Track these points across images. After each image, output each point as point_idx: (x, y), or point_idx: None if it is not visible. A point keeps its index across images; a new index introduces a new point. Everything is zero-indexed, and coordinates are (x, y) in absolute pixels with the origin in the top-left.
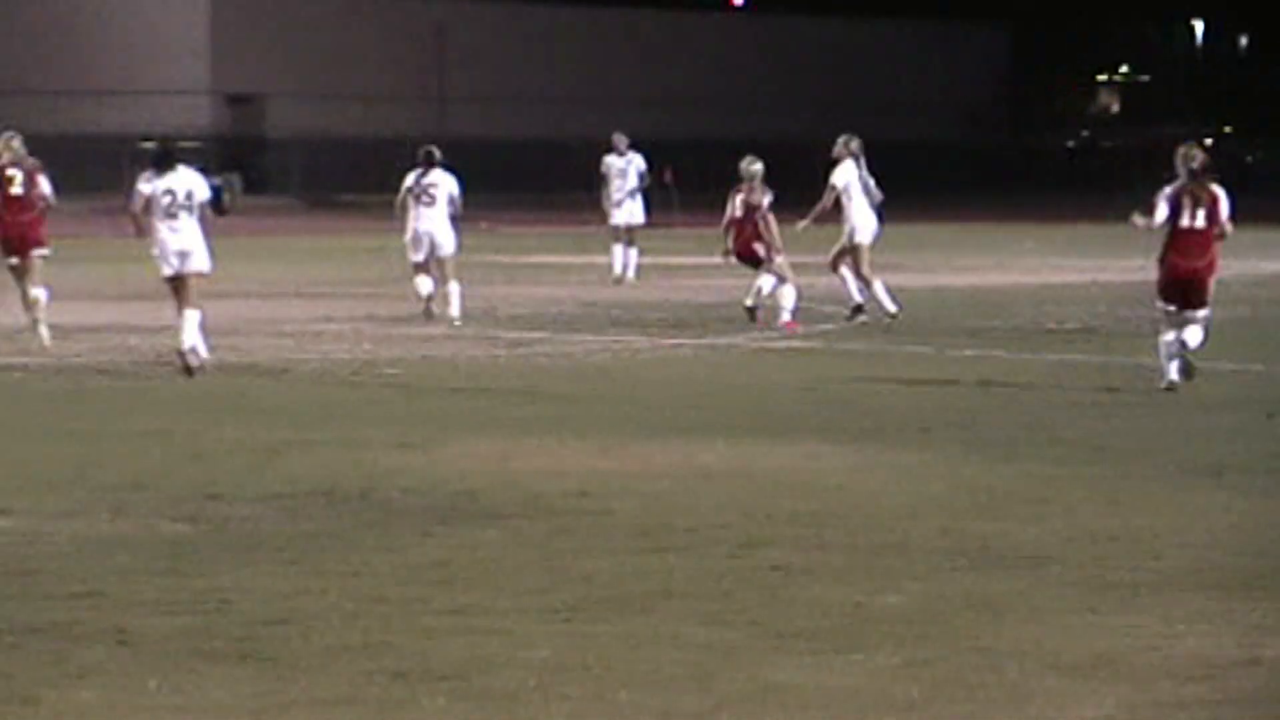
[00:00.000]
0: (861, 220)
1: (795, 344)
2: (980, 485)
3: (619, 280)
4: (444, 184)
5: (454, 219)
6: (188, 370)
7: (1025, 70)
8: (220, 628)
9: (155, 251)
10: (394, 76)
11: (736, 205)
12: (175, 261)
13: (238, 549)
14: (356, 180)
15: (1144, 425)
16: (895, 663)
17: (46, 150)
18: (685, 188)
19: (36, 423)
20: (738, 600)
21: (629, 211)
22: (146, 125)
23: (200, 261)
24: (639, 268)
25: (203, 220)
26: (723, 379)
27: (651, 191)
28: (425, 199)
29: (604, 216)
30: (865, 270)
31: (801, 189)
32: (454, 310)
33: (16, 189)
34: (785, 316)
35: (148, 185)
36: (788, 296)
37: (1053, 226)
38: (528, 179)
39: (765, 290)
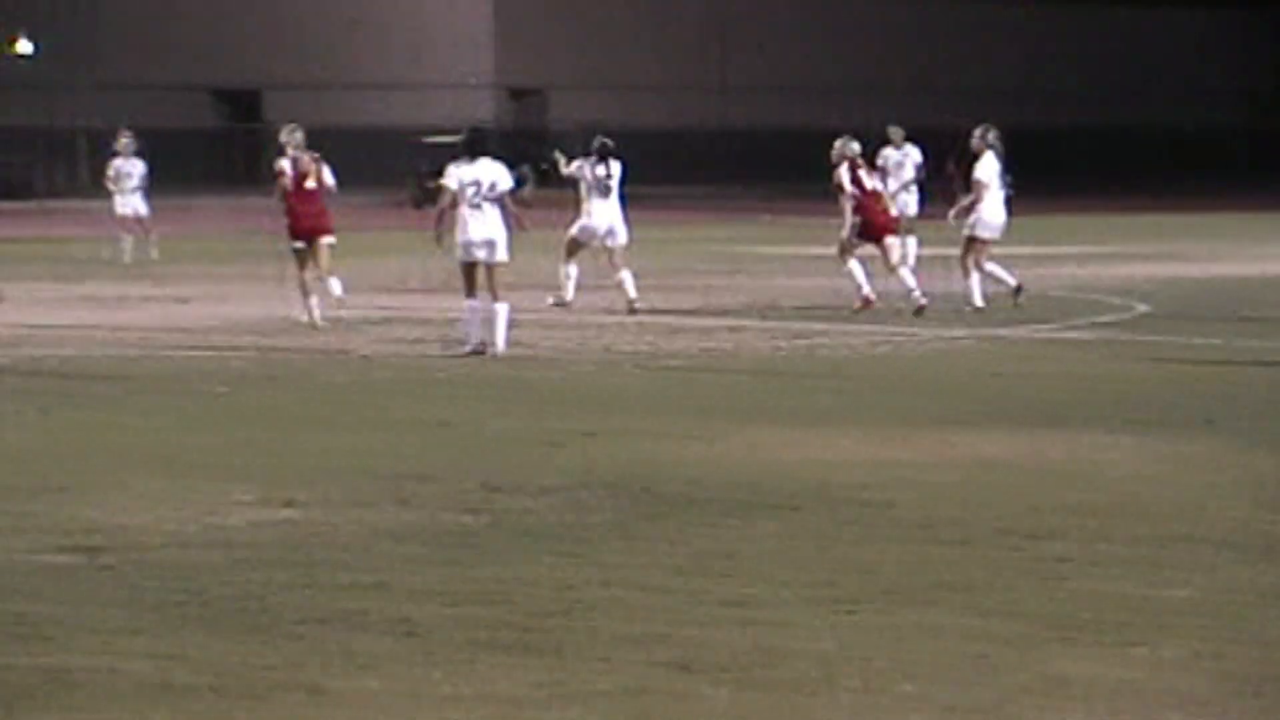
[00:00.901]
0: (990, 214)
1: (1075, 335)
2: (1270, 477)
3: (893, 270)
4: (617, 174)
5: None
6: (479, 352)
7: None
8: (503, 618)
9: (458, 239)
10: (675, 66)
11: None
12: (479, 252)
13: (520, 540)
14: (637, 172)
15: None
16: (1182, 656)
17: (334, 143)
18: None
19: (324, 413)
20: (1021, 592)
21: (904, 203)
22: (432, 119)
23: (501, 252)
24: (918, 258)
25: (504, 210)
26: (1004, 370)
27: (931, 182)
28: (601, 190)
29: None
30: (978, 261)
31: (1094, 177)
32: (632, 292)
33: (311, 183)
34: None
35: (454, 175)
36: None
37: None
38: (808, 169)
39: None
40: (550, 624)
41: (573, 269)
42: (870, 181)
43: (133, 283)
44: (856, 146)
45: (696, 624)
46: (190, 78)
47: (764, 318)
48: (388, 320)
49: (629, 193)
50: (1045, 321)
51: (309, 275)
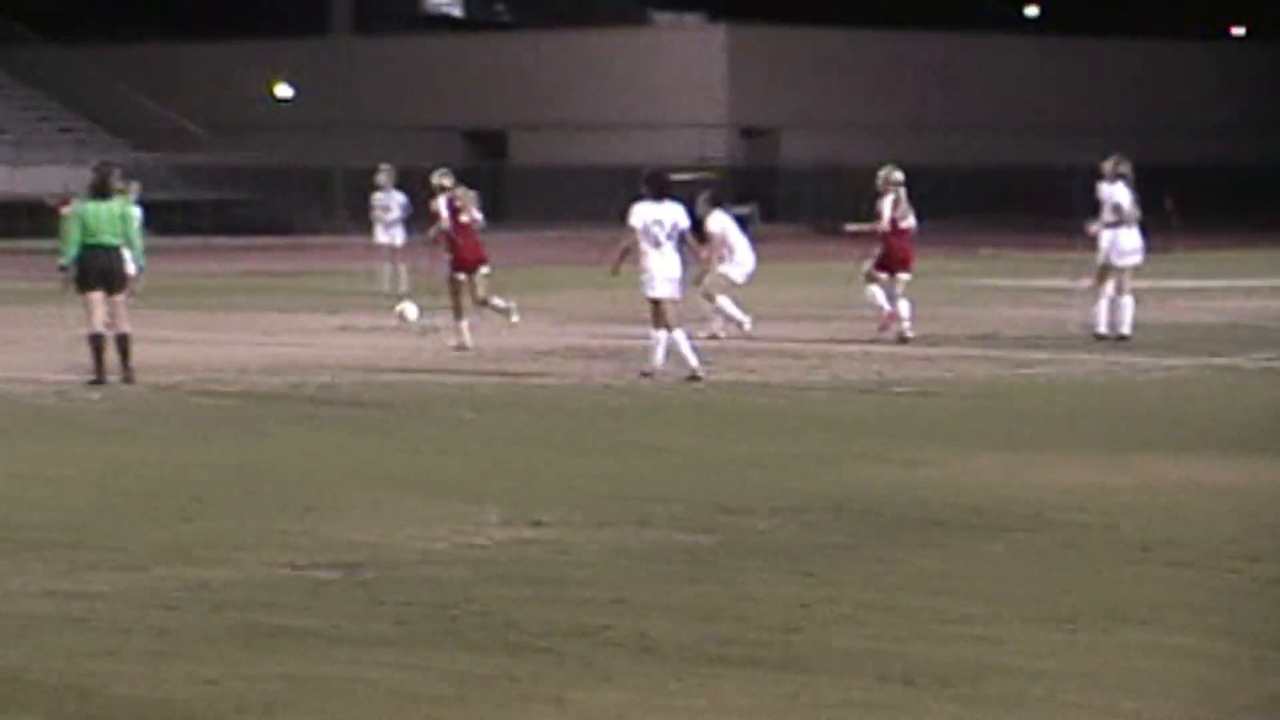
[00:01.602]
0: (1127, 241)
1: None
2: None
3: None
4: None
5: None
6: (695, 378)
7: None
8: (737, 633)
9: (644, 276)
10: (900, 106)
11: None
12: (662, 287)
13: (753, 559)
14: (862, 208)
15: None
16: None
17: (575, 180)
18: (1184, 213)
19: (566, 438)
20: (1242, 613)
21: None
22: (668, 157)
23: (677, 289)
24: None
25: (682, 250)
26: (1222, 398)
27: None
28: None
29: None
30: (1105, 285)
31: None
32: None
33: (465, 218)
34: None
35: (640, 214)
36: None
37: None
38: (1028, 204)
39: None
40: (781, 639)
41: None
42: (905, 218)
43: (386, 312)
44: (900, 175)
45: (921, 640)
46: (441, 119)
47: (985, 347)
48: (627, 351)
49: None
50: (1260, 350)
51: (465, 302)
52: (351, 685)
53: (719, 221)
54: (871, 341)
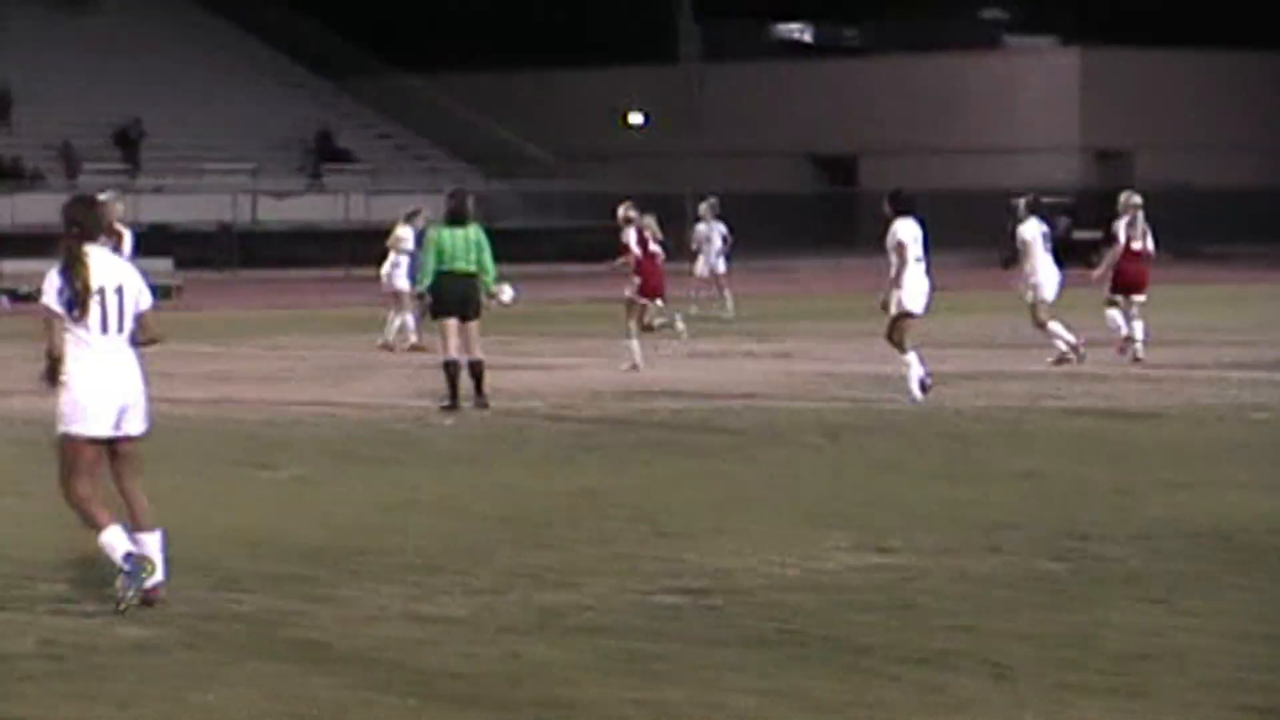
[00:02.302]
0: None
1: None
2: None
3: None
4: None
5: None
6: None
7: None
8: (1090, 661)
9: (903, 293)
10: (1252, 127)
11: None
12: (917, 302)
13: (1107, 586)
14: (1218, 231)
15: None
16: None
17: (925, 205)
18: None
19: (916, 464)
20: None
21: None
22: (1019, 181)
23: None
24: None
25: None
26: None
27: None
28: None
29: None
30: None
31: None
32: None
33: (654, 247)
34: None
35: (909, 232)
36: None
37: None
38: None
39: None
40: (1136, 667)
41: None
42: (1140, 240)
43: (737, 339)
44: (1138, 199)
45: (1277, 671)
46: (791, 144)
47: None
48: (975, 376)
49: (1209, 253)
50: None
51: (634, 325)
52: (700, 711)
53: (1032, 230)
54: (1231, 365)
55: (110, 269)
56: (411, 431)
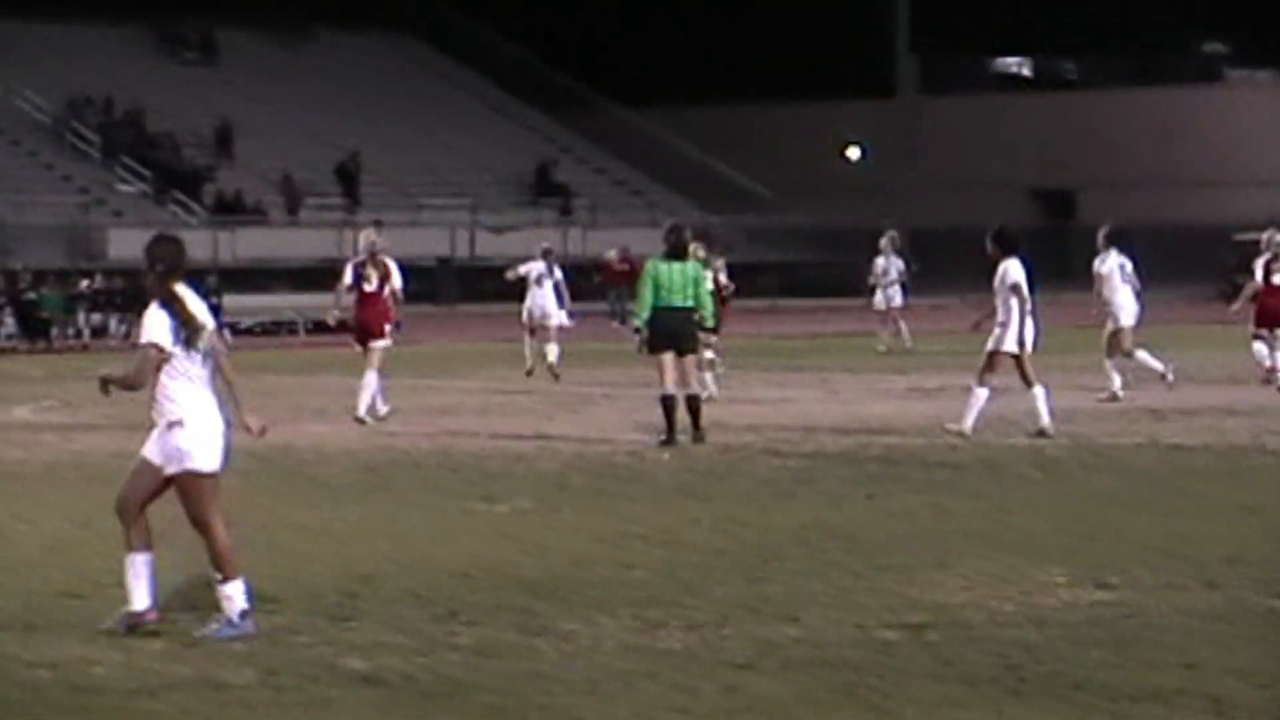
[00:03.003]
0: None
1: None
2: None
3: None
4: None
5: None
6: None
7: None
8: None
9: (1008, 332)
10: None
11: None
12: (1015, 341)
13: None
14: None
15: None
16: None
17: (1148, 240)
18: None
19: (1134, 497)
20: None
21: None
22: (1241, 216)
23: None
24: None
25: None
26: None
27: None
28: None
29: None
30: None
31: None
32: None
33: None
34: None
35: (1017, 272)
36: None
37: None
38: None
39: None
40: None
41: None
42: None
43: (957, 373)
44: None
45: None
46: (1008, 177)
47: None
48: (1195, 411)
49: None
50: None
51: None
52: None
53: (1110, 263)
54: None
55: (199, 305)
56: (629, 465)
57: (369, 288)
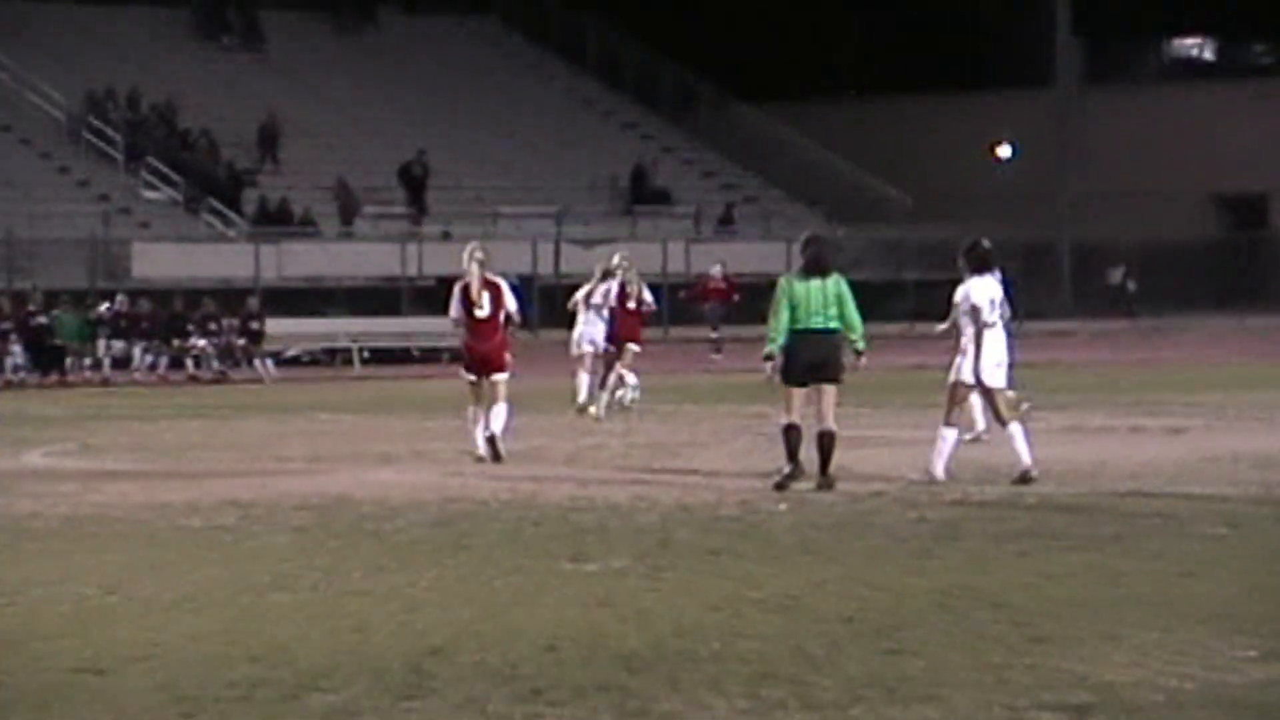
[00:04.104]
0: None
1: None
2: None
3: None
4: None
5: None
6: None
7: None
8: None
9: (971, 362)
10: None
11: None
12: (994, 374)
13: None
14: None
15: None
16: None
17: None
18: None
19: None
20: None
21: None
22: None
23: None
24: None
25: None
26: None
27: None
28: None
29: None
30: None
31: None
32: None
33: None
34: None
35: (980, 291)
36: None
37: None
38: None
39: None
40: None
41: None
42: None
43: (1121, 412)
44: None
45: None
46: (1187, 182)
47: None
48: None
49: None
50: None
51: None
52: None
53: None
54: None
55: None
56: (740, 517)
57: (480, 314)
